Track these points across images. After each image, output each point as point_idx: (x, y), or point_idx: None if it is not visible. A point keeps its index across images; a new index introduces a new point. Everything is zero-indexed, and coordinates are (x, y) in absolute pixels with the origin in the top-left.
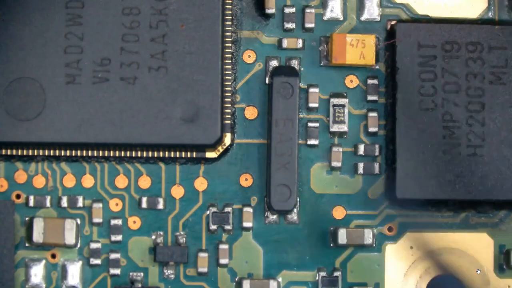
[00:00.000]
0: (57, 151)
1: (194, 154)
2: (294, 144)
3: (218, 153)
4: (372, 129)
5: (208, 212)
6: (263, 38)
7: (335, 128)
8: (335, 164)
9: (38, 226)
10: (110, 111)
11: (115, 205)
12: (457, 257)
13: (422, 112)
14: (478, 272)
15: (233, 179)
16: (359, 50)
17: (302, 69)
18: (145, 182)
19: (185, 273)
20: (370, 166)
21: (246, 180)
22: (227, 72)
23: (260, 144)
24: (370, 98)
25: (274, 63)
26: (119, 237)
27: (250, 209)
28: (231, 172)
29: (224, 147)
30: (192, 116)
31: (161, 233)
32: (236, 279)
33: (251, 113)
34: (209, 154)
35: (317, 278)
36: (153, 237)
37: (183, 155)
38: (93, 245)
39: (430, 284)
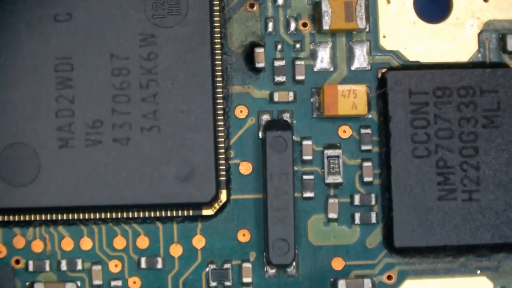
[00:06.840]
0: (54, 215)
1: (191, 212)
2: (290, 198)
3: (215, 210)
4: (367, 178)
5: (207, 269)
6: (254, 92)
7: (330, 179)
8: (332, 215)
9: None
10: (104, 173)
11: (114, 266)
12: None
13: (416, 160)
14: None
15: (231, 235)
16: (351, 100)
17: (294, 121)
18: (143, 242)
19: None
20: (367, 215)
21: (244, 236)
22: (219, 128)
23: (256, 199)
24: (364, 147)
25: (266, 117)
26: None
27: (249, 265)
28: (229, 228)
29: (221, 203)
30: (187, 174)
31: None
32: None
33: (245, 168)
34: (206, 212)
35: None
36: None
37: (179, 214)
38: None
39: None
